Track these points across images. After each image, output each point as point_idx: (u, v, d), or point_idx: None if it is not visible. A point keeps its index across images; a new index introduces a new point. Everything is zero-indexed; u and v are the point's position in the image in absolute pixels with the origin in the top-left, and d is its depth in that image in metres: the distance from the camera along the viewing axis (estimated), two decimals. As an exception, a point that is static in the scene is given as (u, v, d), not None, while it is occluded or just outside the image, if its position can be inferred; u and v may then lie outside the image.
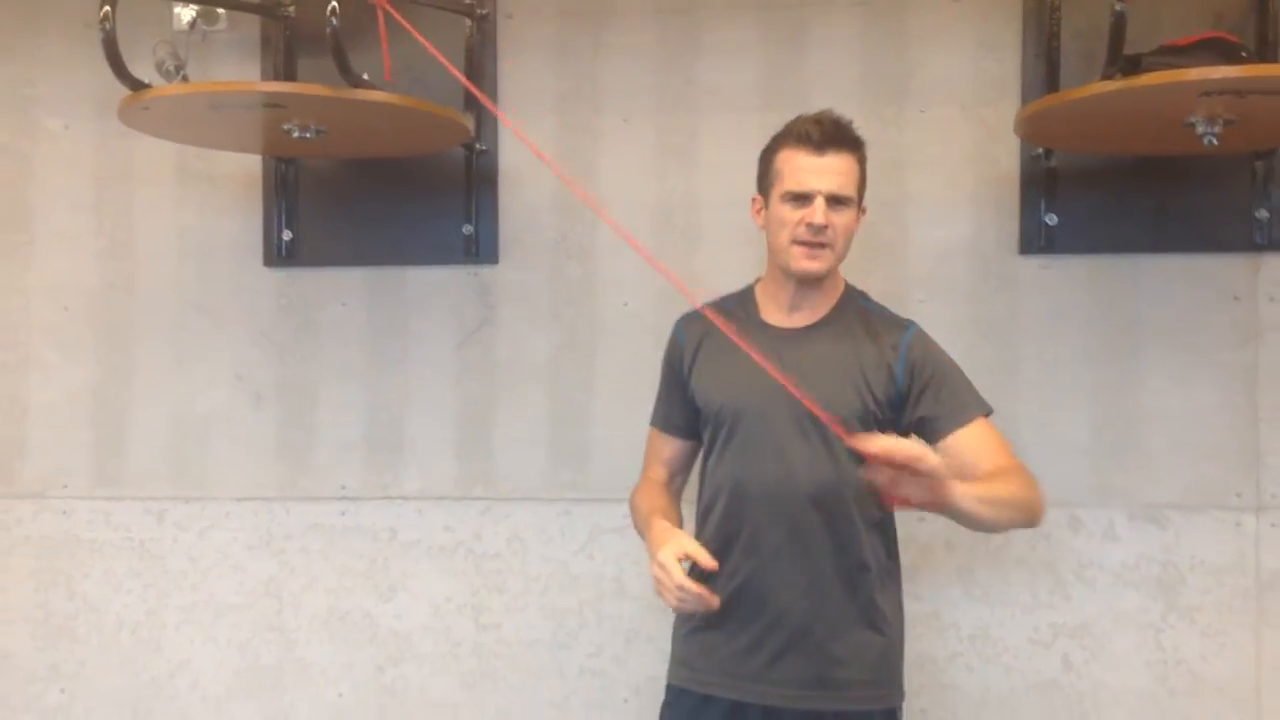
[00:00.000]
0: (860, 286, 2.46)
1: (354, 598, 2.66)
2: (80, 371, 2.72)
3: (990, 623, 2.49)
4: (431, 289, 2.64)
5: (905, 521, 2.47)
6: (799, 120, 1.94)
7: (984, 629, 2.49)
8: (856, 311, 1.99)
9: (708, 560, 1.83)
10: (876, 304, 2.05)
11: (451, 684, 2.63)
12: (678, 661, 2.03)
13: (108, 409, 2.72)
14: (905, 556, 2.47)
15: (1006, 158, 2.47)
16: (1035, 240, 2.46)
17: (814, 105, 2.49)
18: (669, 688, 2.03)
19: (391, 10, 2.09)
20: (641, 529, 2.02)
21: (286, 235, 2.65)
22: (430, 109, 2.21)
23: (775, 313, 2.01)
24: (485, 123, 2.59)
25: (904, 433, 1.92)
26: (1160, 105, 1.99)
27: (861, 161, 1.95)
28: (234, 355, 2.69)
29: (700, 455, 2.07)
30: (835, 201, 1.90)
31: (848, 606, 1.92)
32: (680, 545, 1.84)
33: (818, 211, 1.88)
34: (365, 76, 2.15)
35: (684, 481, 2.14)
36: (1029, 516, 1.87)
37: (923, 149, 2.51)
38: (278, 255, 2.66)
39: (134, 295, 2.72)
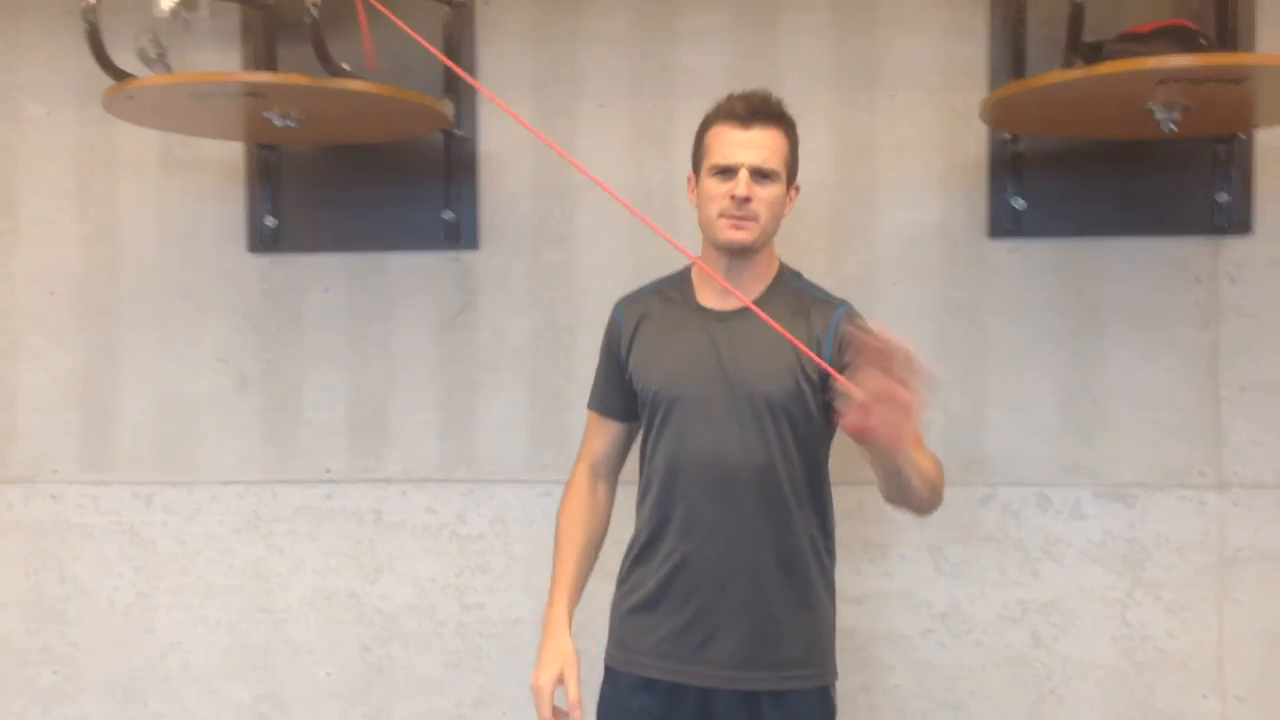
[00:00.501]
0: (832, 269, 2.51)
1: (340, 579, 2.71)
2: (66, 357, 2.76)
3: (961, 599, 2.55)
4: (413, 274, 2.67)
5: (879, 501, 2.53)
6: (727, 98, 1.98)
7: (955, 606, 2.55)
8: (791, 292, 2.02)
9: (574, 704, 1.96)
10: (811, 284, 2.07)
11: (436, 663, 2.68)
12: (614, 644, 2.06)
13: (95, 394, 2.76)
14: (877, 534, 2.55)
15: (975, 142, 2.51)
16: (1003, 223, 2.50)
17: (786, 90, 2.54)
18: (607, 670, 2.06)
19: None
20: (553, 566, 2.11)
21: (270, 221, 2.69)
22: (408, 96, 2.25)
23: (710, 295, 2.02)
24: (465, 109, 2.62)
25: (828, 405, 1.96)
26: (1119, 93, 2.04)
27: (790, 138, 1.98)
28: (219, 340, 2.73)
29: (640, 438, 2.09)
30: (760, 175, 1.93)
31: (783, 586, 1.95)
32: (559, 669, 1.99)
33: (741, 183, 1.91)
34: (345, 66, 2.19)
35: (621, 463, 2.18)
36: (934, 500, 1.88)
37: (893, 134, 2.55)
38: (261, 241, 2.70)
39: (119, 281, 2.75)
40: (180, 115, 2.40)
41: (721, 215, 1.94)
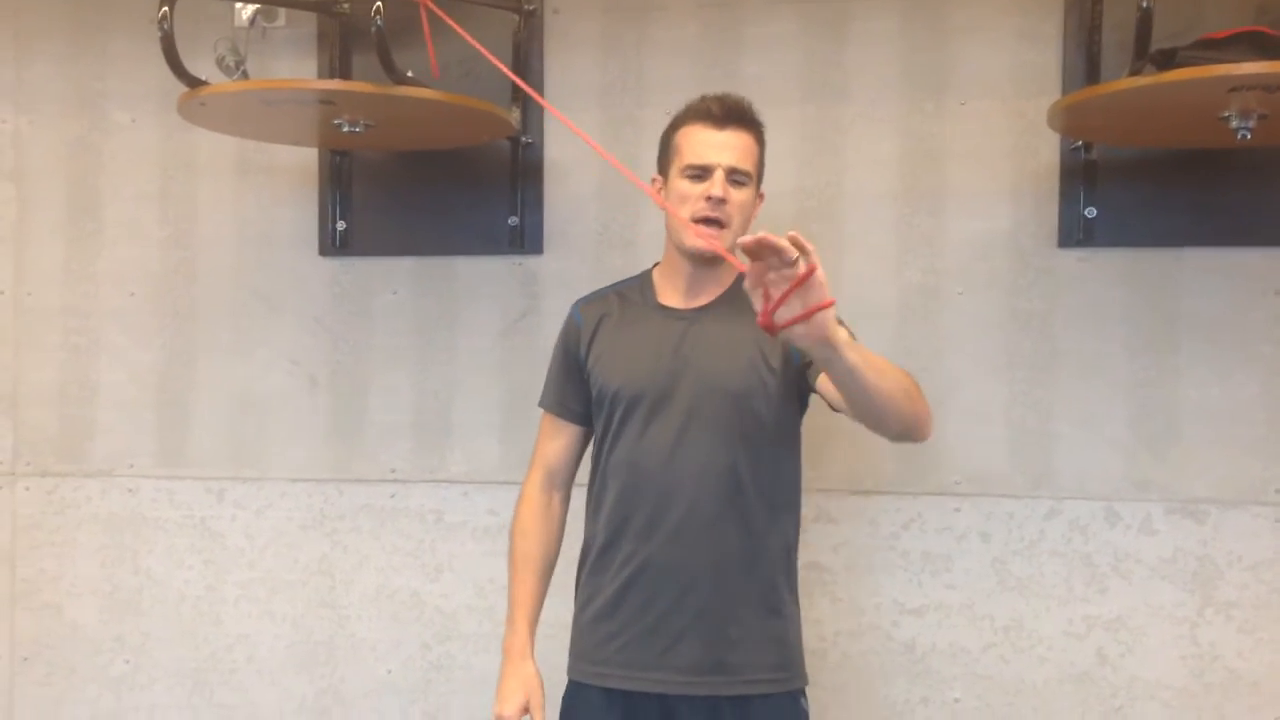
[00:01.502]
0: (898, 277, 2.49)
1: (402, 577, 2.75)
2: (145, 355, 2.84)
3: (1025, 614, 2.50)
4: (478, 278, 2.71)
5: (941, 512, 2.52)
6: (700, 99, 1.96)
7: (1018, 620, 2.50)
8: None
9: None
10: None
11: (494, 662, 2.63)
12: (574, 655, 2.01)
13: (171, 391, 2.83)
14: (939, 546, 2.53)
15: (1046, 150, 2.47)
16: (1074, 233, 2.46)
17: (855, 97, 2.56)
18: (569, 682, 2.01)
19: (435, 9, 2.16)
20: (509, 585, 2.08)
21: (340, 225, 2.74)
22: (472, 104, 2.28)
23: (672, 295, 2.00)
24: (531, 116, 2.65)
25: (810, 377, 1.91)
26: (1192, 100, 1.99)
27: (760, 143, 1.95)
28: (290, 341, 2.79)
29: (594, 440, 2.04)
30: (735, 177, 1.90)
31: (745, 589, 1.91)
32: (524, 699, 1.98)
33: (716, 184, 1.88)
34: (410, 74, 2.22)
35: (575, 471, 2.12)
36: (913, 407, 1.73)
37: (962, 141, 2.51)
38: (332, 245, 2.75)
39: (196, 282, 2.82)
40: (253, 121, 2.46)
41: (694, 218, 1.90)
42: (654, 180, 2.03)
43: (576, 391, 2.06)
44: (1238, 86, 1.89)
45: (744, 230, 1.95)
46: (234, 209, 2.81)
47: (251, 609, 2.80)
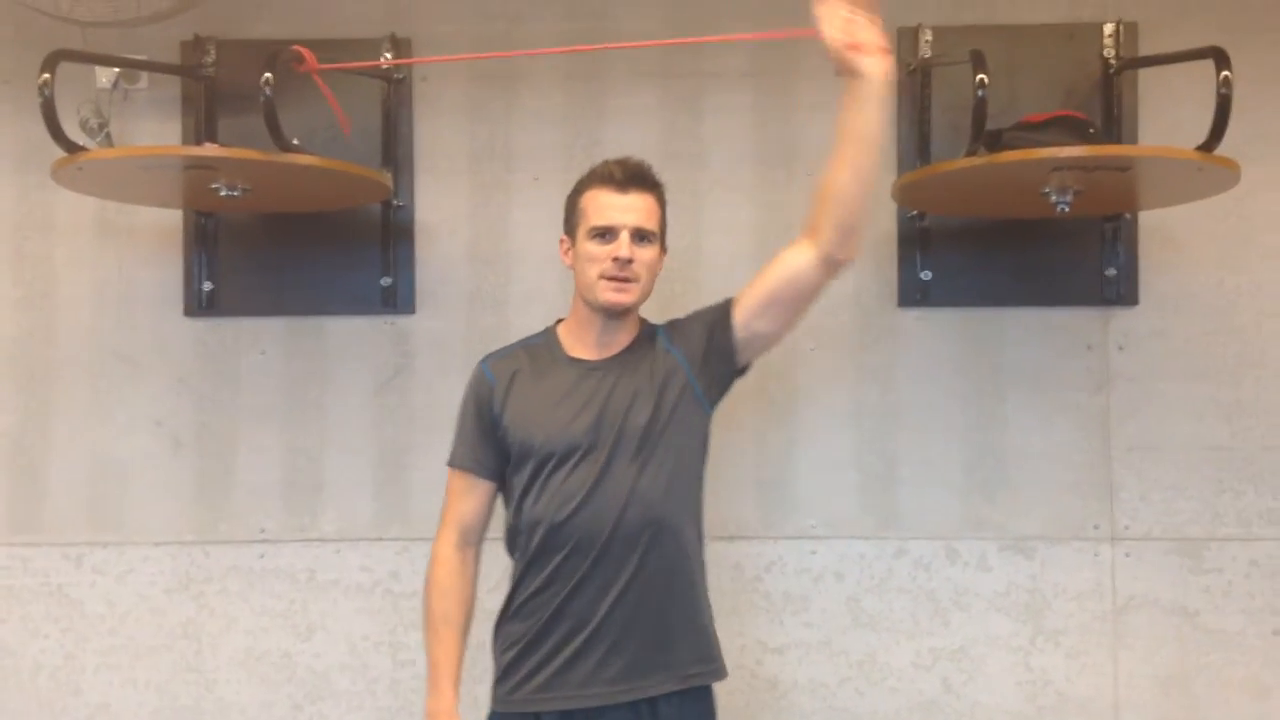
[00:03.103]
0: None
1: (272, 638, 2.74)
2: (-2, 420, 2.77)
3: (877, 648, 2.68)
4: (349, 338, 2.75)
5: (800, 554, 2.68)
6: (602, 163, 2.06)
7: (871, 654, 2.68)
8: (653, 339, 2.10)
9: None
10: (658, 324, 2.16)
11: None
12: (501, 690, 2.04)
13: (26, 456, 2.76)
14: (798, 587, 2.68)
15: (885, 218, 2.68)
16: (912, 294, 2.68)
17: (710, 166, 2.72)
18: (492, 714, 2.04)
19: (328, 64, 2.21)
20: (429, 646, 2.07)
21: (207, 286, 2.74)
22: (355, 170, 2.35)
23: (582, 349, 2.07)
24: (403, 180, 2.72)
25: (733, 361, 2.05)
26: (1017, 178, 2.23)
27: (661, 203, 2.07)
28: (153, 402, 2.76)
29: (513, 494, 2.07)
30: (639, 237, 2.01)
31: (669, 598, 1.98)
32: None
33: (623, 245, 1.98)
34: (295, 141, 2.27)
35: (486, 527, 2.13)
36: (875, 163, 1.97)
37: (809, 209, 2.70)
38: (198, 305, 2.75)
39: (54, 345, 2.77)
40: (126, 185, 2.46)
41: (603, 277, 2.00)
42: (561, 242, 2.10)
43: (493, 449, 2.08)
44: (1060, 166, 2.13)
45: (651, 286, 2.06)
46: (94, 270, 2.78)
47: (113, 677, 2.74)
